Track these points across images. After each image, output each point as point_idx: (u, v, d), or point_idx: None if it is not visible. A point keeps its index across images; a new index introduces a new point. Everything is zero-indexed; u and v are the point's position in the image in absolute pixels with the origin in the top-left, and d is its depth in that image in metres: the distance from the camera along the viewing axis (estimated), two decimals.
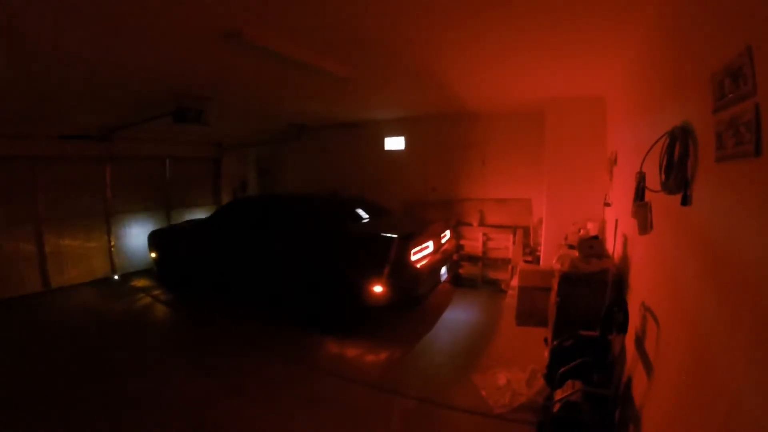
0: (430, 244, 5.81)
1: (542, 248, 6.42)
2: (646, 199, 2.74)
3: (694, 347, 1.81)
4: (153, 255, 7.93)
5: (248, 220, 6.66)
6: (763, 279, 1.29)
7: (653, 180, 2.41)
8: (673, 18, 2.39)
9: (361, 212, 6.57)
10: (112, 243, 8.45)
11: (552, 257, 5.19)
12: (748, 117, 1.39)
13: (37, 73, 4.20)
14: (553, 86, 5.25)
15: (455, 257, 7.56)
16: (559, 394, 3.04)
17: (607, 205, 5.12)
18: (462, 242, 7.97)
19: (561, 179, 5.99)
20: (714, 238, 1.71)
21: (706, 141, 1.78)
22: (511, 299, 6.14)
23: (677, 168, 2.03)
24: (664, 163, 2.18)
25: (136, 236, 8.90)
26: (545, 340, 4.61)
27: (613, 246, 4.32)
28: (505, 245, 7.61)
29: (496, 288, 7.50)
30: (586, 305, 3.71)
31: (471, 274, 7.91)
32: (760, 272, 1.32)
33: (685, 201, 1.96)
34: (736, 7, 1.57)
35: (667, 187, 2.15)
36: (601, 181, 5.49)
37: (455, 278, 7.81)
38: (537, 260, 6.56)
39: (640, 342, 2.74)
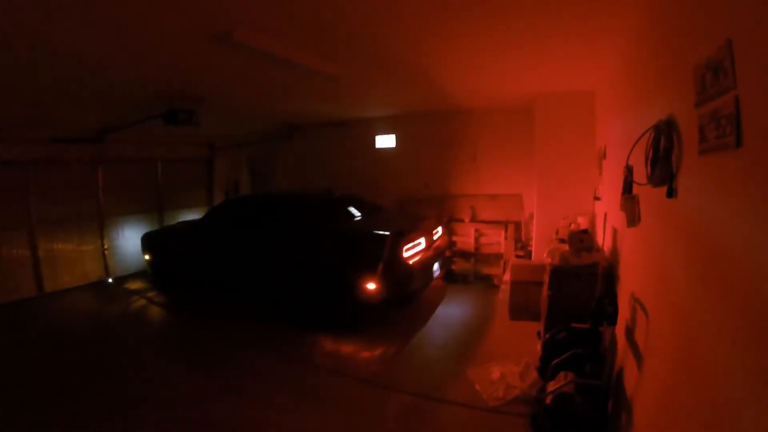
0: (422, 241, 5.84)
1: (534, 243, 6.47)
2: (634, 192, 2.78)
3: (682, 337, 1.84)
4: (147, 257, 7.90)
5: (241, 219, 6.66)
6: (746, 268, 1.32)
7: (640, 173, 2.44)
8: (659, 12, 2.42)
9: (353, 210, 6.59)
10: (106, 246, 8.43)
11: (543, 251, 5.23)
12: (728, 110, 1.41)
13: (27, 76, 4.19)
14: (543, 81, 5.29)
15: (448, 253, 7.60)
16: (552, 386, 3.08)
17: (597, 199, 5.16)
18: (454, 238, 8.00)
19: (551, 174, 6.04)
20: (699, 229, 1.74)
21: (689, 134, 1.81)
22: (503, 294, 6.18)
23: (662, 161, 2.07)
24: (650, 156, 2.21)
25: (129, 239, 8.87)
26: (538, 333, 4.64)
27: (602, 239, 4.37)
28: (497, 240, 7.65)
29: (488, 283, 7.54)
30: (578, 298, 3.74)
31: (463, 270, 7.94)
32: (743, 261, 1.35)
33: (671, 193, 2.00)
34: (717, 1, 1.60)
35: (653, 180, 2.19)
36: (591, 175, 5.54)
37: (448, 274, 7.84)
38: (529, 255, 6.61)
39: (630, 333, 2.78)
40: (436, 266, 6.22)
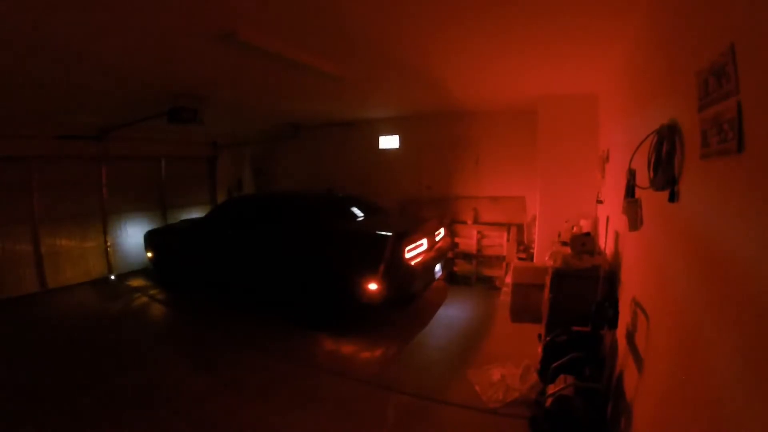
0: (424, 242, 5.85)
1: (536, 245, 6.46)
2: (636, 196, 2.78)
3: (682, 341, 1.84)
4: (149, 255, 7.92)
5: (244, 218, 6.67)
6: (747, 273, 1.32)
7: (643, 177, 2.44)
8: (662, 16, 2.42)
9: (356, 210, 6.59)
10: (109, 243, 8.44)
11: (545, 254, 5.24)
12: (730, 114, 1.41)
13: (33, 74, 4.20)
14: (546, 84, 5.29)
15: (450, 255, 7.60)
16: (551, 389, 3.08)
17: (600, 202, 5.16)
18: (456, 240, 8.00)
19: (554, 177, 6.03)
20: (700, 233, 1.74)
21: (691, 138, 1.81)
22: (505, 296, 6.17)
23: (665, 165, 2.07)
24: (653, 160, 2.21)
25: (132, 236, 8.89)
26: (539, 336, 4.65)
27: (605, 242, 4.37)
28: (499, 243, 7.65)
29: (490, 285, 7.54)
30: (579, 301, 3.74)
31: (465, 272, 7.95)
32: (744, 266, 1.35)
33: (673, 197, 2.00)
34: (720, 5, 1.60)
35: (655, 184, 2.18)
36: (594, 178, 5.53)
37: (450, 276, 7.85)
38: (531, 257, 6.61)
39: (631, 337, 2.78)
40: (437, 267, 6.23)
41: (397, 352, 4.99)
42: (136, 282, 8.21)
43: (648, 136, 2.27)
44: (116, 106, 6.15)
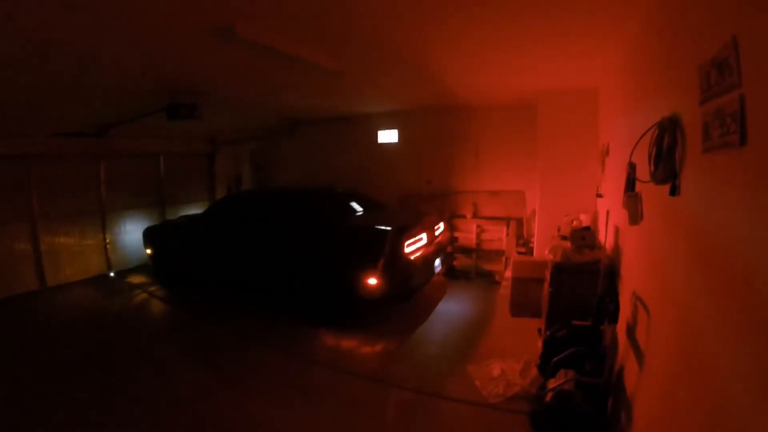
0: (424, 237, 5.83)
1: (535, 239, 6.45)
2: (637, 189, 2.77)
3: (683, 335, 1.84)
4: (148, 251, 7.88)
5: (243, 214, 6.65)
6: (748, 266, 1.31)
7: (643, 171, 2.43)
8: (664, 9, 2.40)
9: (355, 205, 6.58)
10: (108, 240, 8.44)
11: (545, 248, 5.22)
12: (733, 108, 1.40)
13: (30, 71, 4.17)
14: (546, 78, 5.26)
15: (449, 249, 7.59)
16: (552, 384, 3.08)
17: (600, 196, 5.14)
18: (456, 234, 7.99)
19: (554, 171, 6.02)
20: (701, 227, 1.73)
21: (693, 132, 1.79)
22: (504, 290, 6.17)
23: (666, 159, 2.05)
24: (653, 153, 2.20)
25: (131, 233, 8.88)
26: (539, 330, 4.65)
27: (605, 237, 4.36)
28: (498, 237, 7.64)
29: (490, 279, 7.54)
30: (579, 295, 3.74)
31: (465, 266, 7.94)
32: (745, 260, 1.34)
33: (674, 191, 1.98)
34: None
35: (656, 178, 2.17)
36: (594, 172, 5.52)
37: (449, 270, 7.84)
38: (530, 251, 6.60)
39: (631, 331, 2.77)
40: (437, 262, 6.22)
41: (397, 347, 4.99)
42: (136, 279, 8.20)
43: (649, 129, 2.25)
44: (115, 103, 6.12)
